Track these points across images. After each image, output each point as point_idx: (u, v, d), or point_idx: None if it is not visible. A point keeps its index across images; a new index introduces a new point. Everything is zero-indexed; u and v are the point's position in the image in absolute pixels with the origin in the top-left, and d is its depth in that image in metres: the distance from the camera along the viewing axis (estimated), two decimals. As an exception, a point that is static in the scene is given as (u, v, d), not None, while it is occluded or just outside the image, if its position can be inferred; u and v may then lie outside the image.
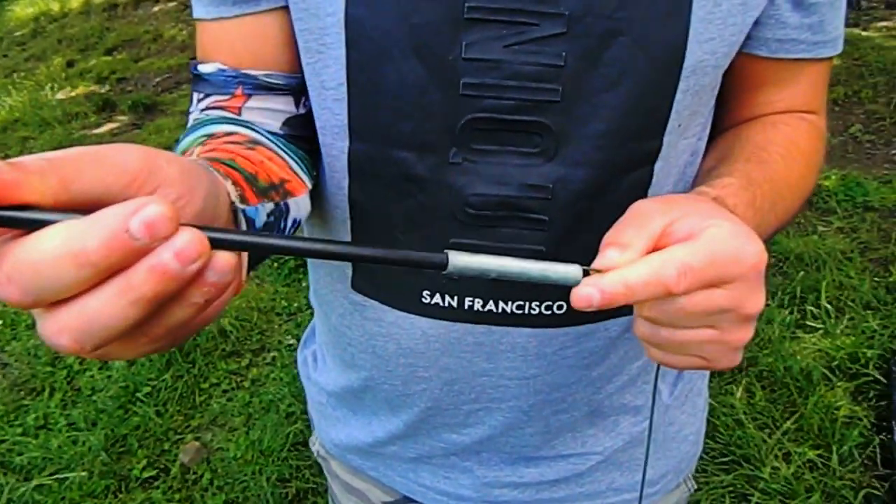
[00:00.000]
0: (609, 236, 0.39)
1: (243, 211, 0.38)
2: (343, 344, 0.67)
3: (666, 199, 0.42)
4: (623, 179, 0.52)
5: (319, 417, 0.78)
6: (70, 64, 4.99)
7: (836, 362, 1.89)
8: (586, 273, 0.36)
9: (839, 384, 1.83)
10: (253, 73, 0.54)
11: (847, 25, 3.76)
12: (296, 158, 0.54)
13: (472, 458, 0.68)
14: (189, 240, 0.25)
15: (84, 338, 0.25)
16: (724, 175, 0.51)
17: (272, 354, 2.19)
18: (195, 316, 0.27)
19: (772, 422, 1.76)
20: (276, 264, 2.55)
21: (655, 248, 0.38)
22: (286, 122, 0.56)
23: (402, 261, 0.32)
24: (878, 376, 1.81)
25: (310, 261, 0.70)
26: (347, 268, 0.61)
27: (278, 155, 0.52)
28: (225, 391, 2.08)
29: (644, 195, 0.54)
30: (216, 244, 0.26)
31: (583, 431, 0.67)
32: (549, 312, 0.57)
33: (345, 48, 0.49)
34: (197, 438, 1.93)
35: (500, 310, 0.57)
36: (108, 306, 0.25)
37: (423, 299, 0.57)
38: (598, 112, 0.49)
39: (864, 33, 3.72)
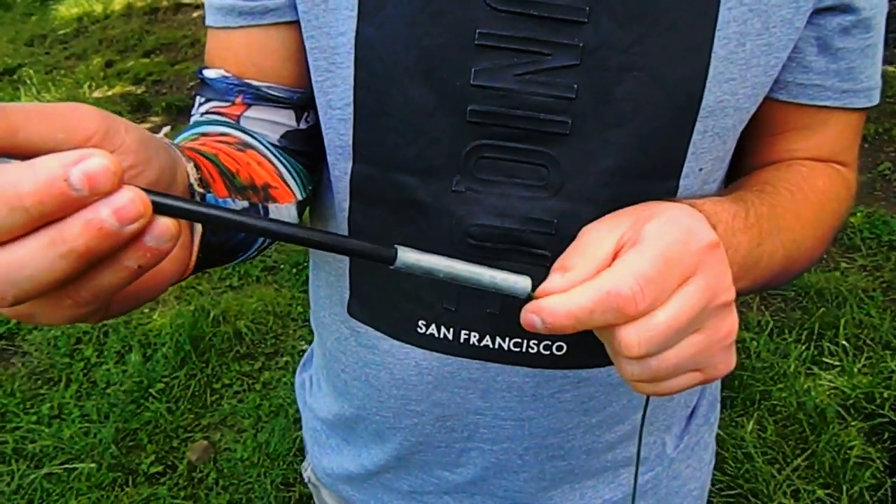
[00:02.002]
0: (556, 262, 0.38)
1: (202, 196, 0.37)
2: (337, 370, 0.65)
3: (613, 215, 0.41)
4: None
5: (313, 443, 0.76)
6: (109, 64, 5.11)
7: (851, 401, 1.85)
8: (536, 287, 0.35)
9: (853, 423, 1.80)
10: (255, 83, 0.54)
11: (881, 62, 3.73)
12: (290, 169, 0.54)
13: (465, 500, 0.65)
14: (130, 198, 0.24)
15: (5, 287, 0.24)
16: (714, 195, 0.48)
17: (285, 359, 2.20)
18: (125, 283, 0.26)
19: (782, 457, 1.73)
20: (294, 270, 2.57)
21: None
22: (285, 136, 0.56)
23: (352, 250, 0.31)
24: (894, 417, 1.78)
25: (311, 283, 0.69)
26: (345, 292, 0.60)
27: (270, 162, 0.52)
28: (236, 392, 2.10)
29: None
30: (159, 209, 0.26)
31: (581, 482, 0.64)
32: (548, 353, 0.55)
33: (353, 68, 0.48)
34: (205, 437, 1.95)
35: (496, 346, 0.55)
36: (36, 256, 0.23)
37: (419, 329, 0.56)
38: (607, 147, 0.47)
39: (895, 70, 3.68)
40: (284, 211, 0.51)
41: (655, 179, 0.50)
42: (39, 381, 2.17)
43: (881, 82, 0.54)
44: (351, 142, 0.51)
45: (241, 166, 0.46)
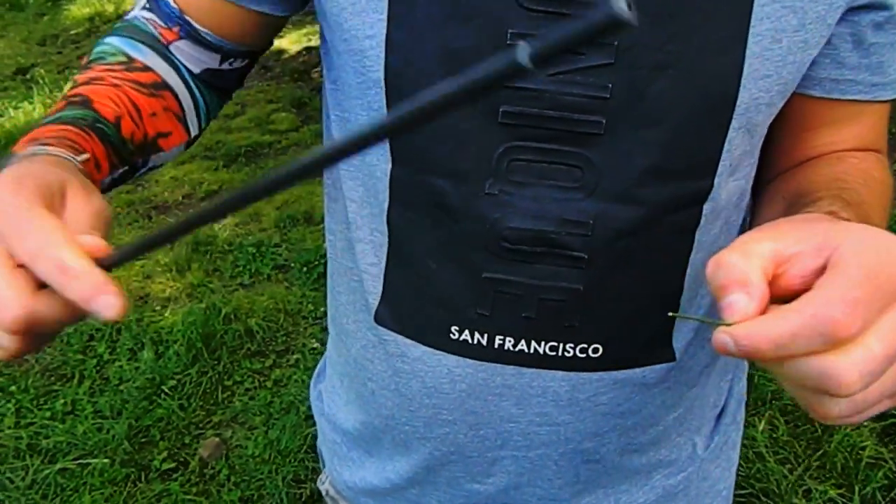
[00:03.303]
0: (725, 275, 0.33)
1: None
2: (363, 378, 0.63)
3: (771, 227, 0.36)
4: (667, 219, 0.50)
5: (332, 456, 0.74)
6: (120, 64, 5.15)
7: (863, 401, 1.85)
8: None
9: (866, 424, 1.79)
10: (194, 24, 0.58)
11: None
12: (201, 101, 0.61)
13: None
14: (116, 310, 0.36)
15: None
16: (812, 203, 0.46)
17: (296, 357, 2.21)
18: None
19: (794, 457, 1.73)
20: (305, 268, 2.58)
21: (770, 281, 0.33)
22: (205, 71, 0.61)
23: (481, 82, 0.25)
24: (907, 418, 1.77)
25: (330, 290, 0.68)
26: (371, 298, 0.59)
27: (179, 101, 0.58)
28: (247, 390, 2.11)
29: (691, 238, 0.52)
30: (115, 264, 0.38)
31: (615, 487, 0.63)
32: (584, 356, 0.54)
33: (384, 71, 0.48)
34: (217, 434, 1.96)
35: (531, 350, 0.54)
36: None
37: (452, 335, 0.55)
38: (642, 147, 0.47)
39: (910, 70, 3.67)
40: (166, 155, 0.58)
41: (691, 178, 0.50)
42: (53, 378, 2.19)
43: None
44: (389, 144, 0.51)
45: (139, 123, 0.54)
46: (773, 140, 0.57)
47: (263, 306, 2.40)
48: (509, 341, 0.54)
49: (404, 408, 0.61)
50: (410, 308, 0.57)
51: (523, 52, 0.23)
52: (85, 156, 0.47)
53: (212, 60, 0.60)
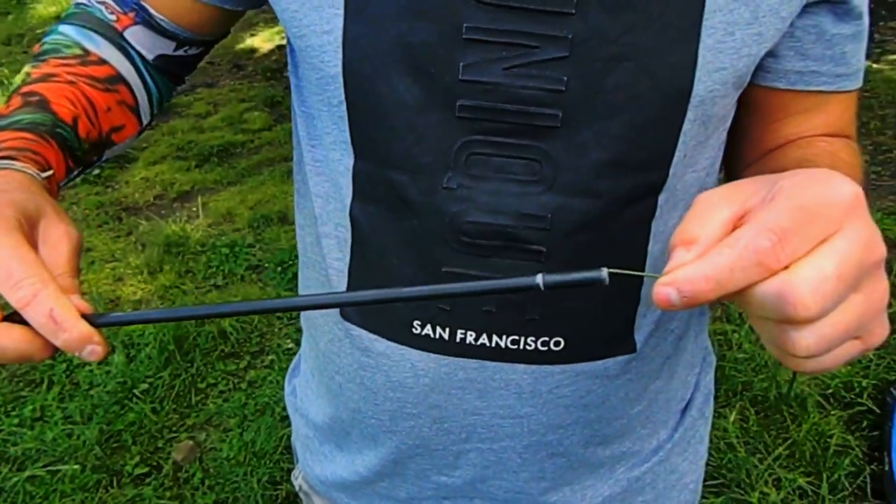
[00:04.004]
0: (674, 237, 0.33)
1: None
2: (331, 372, 0.64)
3: (729, 185, 0.35)
4: (624, 211, 0.51)
5: (304, 451, 0.75)
6: (88, 63, 5.07)
7: (830, 390, 1.88)
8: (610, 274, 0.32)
9: (833, 412, 1.83)
10: (151, 11, 0.58)
11: (858, 57, 3.77)
12: (154, 88, 0.62)
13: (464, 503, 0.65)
14: (98, 354, 0.41)
15: None
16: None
17: (270, 357, 2.20)
18: None
19: (764, 447, 1.76)
20: (279, 268, 2.57)
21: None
22: (160, 57, 0.61)
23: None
24: (872, 406, 1.81)
25: (301, 285, 0.68)
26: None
27: (133, 94, 0.59)
28: (221, 392, 2.09)
29: (647, 229, 0.53)
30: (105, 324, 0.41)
31: (581, 482, 0.64)
32: (546, 349, 0.54)
33: (342, 66, 0.48)
34: (191, 437, 1.94)
35: (493, 344, 0.54)
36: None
37: (414, 330, 0.55)
38: (599, 140, 0.47)
39: (874, 65, 3.73)
40: (118, 147, 0.59)
41: (647, 169, 0.50)
42: (21, 384, 2.15)
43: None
44: (349, 139, 0.51)
45: (95, 121, 0.55)
46: (742, 132, 0.58)
47: (237, 307, 2.38)
48: (471, 335, 0.54)
49: (370, 401, 0.61)
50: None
51: (540, 279, 0.34)
52: (49, 172, 0.48)
53: (167, 47, 0.61)
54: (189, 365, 2.17)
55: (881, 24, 4.15)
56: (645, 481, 0.66)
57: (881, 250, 0.32)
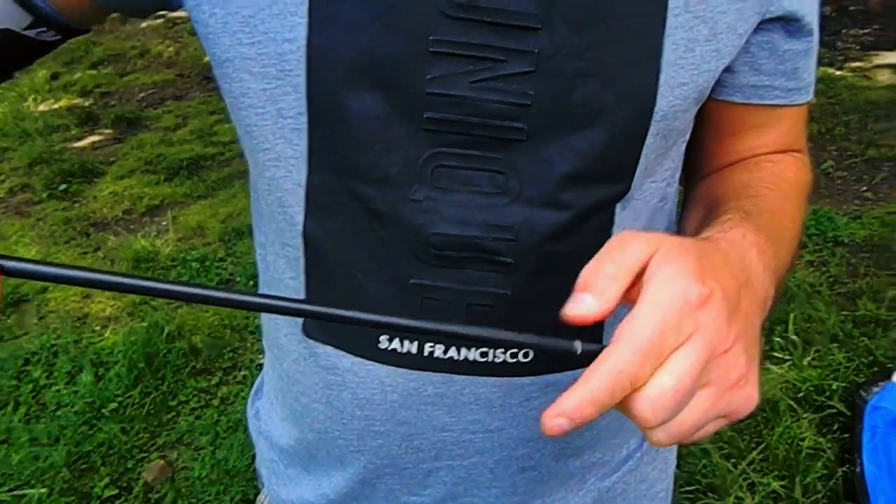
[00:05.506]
0: (583, 272, 0.37)
1: None
2: (296, 393, 0.62)
3: (642, 234, 0.40)
4: (588, 222, 0.52)
5: (270, 475, 0.73)
6: (54, 76, 4.97)
7: (802, 394, 1.91)
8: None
9: (805, 416, 1.85)
10: None
11: (822, 65, 3.85)
12: None
13: None
14: None
15: None
16: (720, 216, 0.49)
17: (243, 373, 2.17)
18: None
19: (738, 452, 1.77)
20: (251, 282, 2.54)
21: (634, 285, 0.37)
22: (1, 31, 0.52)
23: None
24: (843, 409, 1.83)
25: None
26: None
27: None
28: (193, 409, 2.05)
29: (608, 239, 0.52)
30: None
31: (552, 495, 0.64)
32: (515, 361, 0.54)
33: (306, 76, 0.47)
34: (162, 457, 1.91)
35: (462, 357, 0.54)
36: None
37: (381, 344, 0.54)
38: (564, 153, 0.48)
39: (838, 73, 3.81)
40: None
41: (610, 182, 0.51)
42: (-15, 406, 2.10)
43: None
44: (306, 152, 0.50)
45: None
46: (700, 144, 0.60)
47: (208, 323, 2.35)
48: (439, 348, 0.54)
49: (337, 421, 0.60)
50: None
51: (578, 345, 0.38)
52: None
53: (18, 20, 0.51)
54: (160, 382, 2.13)
55: (843, 31, 4.25)
56: (616, 491, 0.66)
57: (728, 341, 0.36)
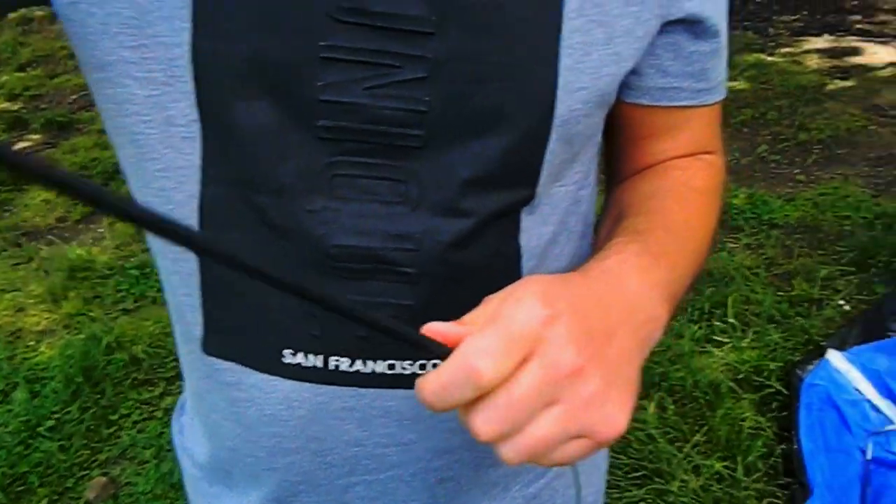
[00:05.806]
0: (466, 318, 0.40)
1: None
2: (206, 410, 0.61)
3: (525, 281, 0.41)
4: (492, 229, 0.51)
5: (194, 493, 0.71)
6: (-21, 79, 4.76)
7: (741, 375, 1.96)
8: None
9: (745, 396, 1.90)
10: None
11: (754, 51, 3.95)
12: None
13: None
14: None
15: None
16: (616, 235, 0.50)
17: (187, 382, 2.12)
18: None
19: (682, 435, 1.81)
20: (193, 288, 2.48)
21: None
22: None
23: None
24: (780, 388, 1.89)
25: (171, 317, 0.63)
26: (195, 328, 0.55)
27: None
28: (136, 422, 2.00)
29: (516, 244, 0.53)
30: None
31: None
32: (423, 371, 0.52)
33: (194, 83, 0.45)
34: (104, 473, 1.85)
35: (369, 370, 0.52)
36: None
37: (285, 359, 0.53)
38: (465, 159, 0.47)
39: (769, 58, 3.92)
40: None
41: (514, 187, 0.50)
42: (-88, 431, 2.00)
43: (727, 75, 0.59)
44: (199, 162, 0.48)
45: None
46: (616, 149, 0.60)
47: (149, 332, 2.29)
48: (344, 362, 0.52)
49: (245, 438, 0.58)
50: (238, 334, 0.54)
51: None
52: None
53: None
54: (99, 396, 2.06)
55: (774, 18, 4.37)
56: (542, 498, 0.66)
57: (575, 362, 0.37)
